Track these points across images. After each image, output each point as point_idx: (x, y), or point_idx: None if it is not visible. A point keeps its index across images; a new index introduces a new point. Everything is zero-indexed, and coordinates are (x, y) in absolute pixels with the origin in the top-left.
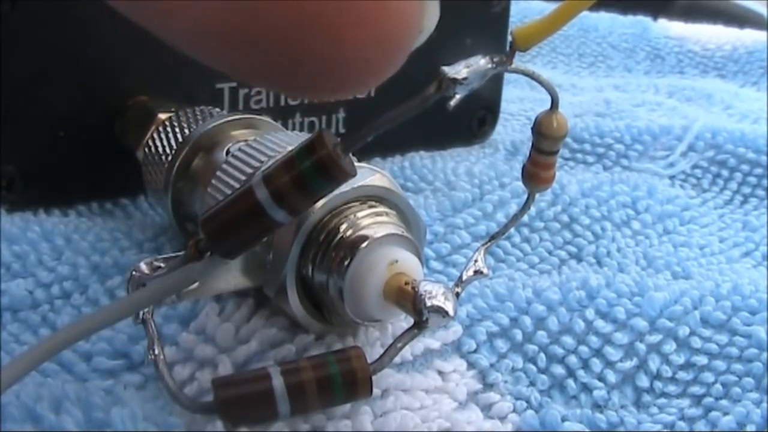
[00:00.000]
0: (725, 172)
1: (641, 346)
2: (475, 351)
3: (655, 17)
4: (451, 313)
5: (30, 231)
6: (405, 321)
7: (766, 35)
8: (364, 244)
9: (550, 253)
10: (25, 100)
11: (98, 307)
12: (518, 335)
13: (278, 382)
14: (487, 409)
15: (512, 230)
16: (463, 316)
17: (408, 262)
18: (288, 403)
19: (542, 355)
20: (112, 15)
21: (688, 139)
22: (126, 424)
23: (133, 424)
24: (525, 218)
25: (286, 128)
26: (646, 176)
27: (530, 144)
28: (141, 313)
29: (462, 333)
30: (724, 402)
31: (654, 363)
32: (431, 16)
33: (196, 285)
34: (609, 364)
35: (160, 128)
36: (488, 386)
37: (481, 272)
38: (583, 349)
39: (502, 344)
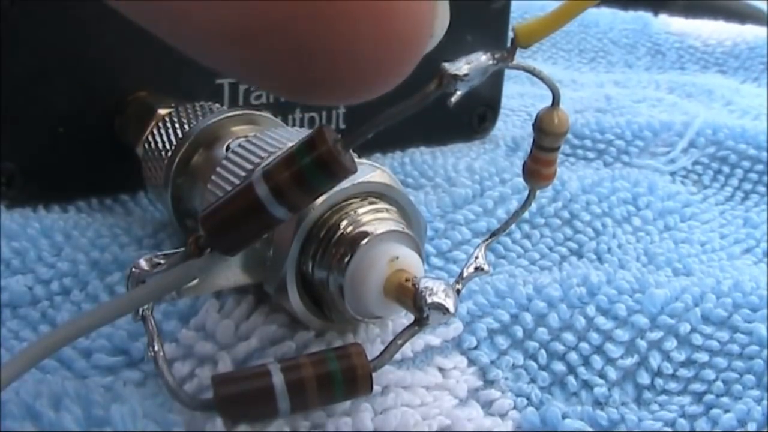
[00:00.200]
0: (726, 169)
1: (642, 343)
2: (476, 348)
3: (656, 13)
4: (451, 309)
5: (29, 227)
6: (405, 318)
7: (766, 31)
8: (364, 241)
9: (550, 249)
10: (24, 96)
11: (98, 303)
12: (519, 332)
13: (278, 379)
14: (487, 406)
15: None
16: (464, 312)
17: (408, 258)
18: (288, 400)
19: (543, 351)
20: (112, 13)
21: (689, 135)
22: (125, 422)
23: (133, 422)
24: (526, 214)
25: (286, 124)
26: (647, 172)
27: (531, 140)
28: (141, 309)
29: (462, 330)
30: (725, 399)
31: (655, 360)
32: (442, 20)
33: (195, 282)
34: (610, 361)
35: (160, 124)
36: (489, 383)
37: (482, 269)
38: (584, 346)
39: (502, 341)
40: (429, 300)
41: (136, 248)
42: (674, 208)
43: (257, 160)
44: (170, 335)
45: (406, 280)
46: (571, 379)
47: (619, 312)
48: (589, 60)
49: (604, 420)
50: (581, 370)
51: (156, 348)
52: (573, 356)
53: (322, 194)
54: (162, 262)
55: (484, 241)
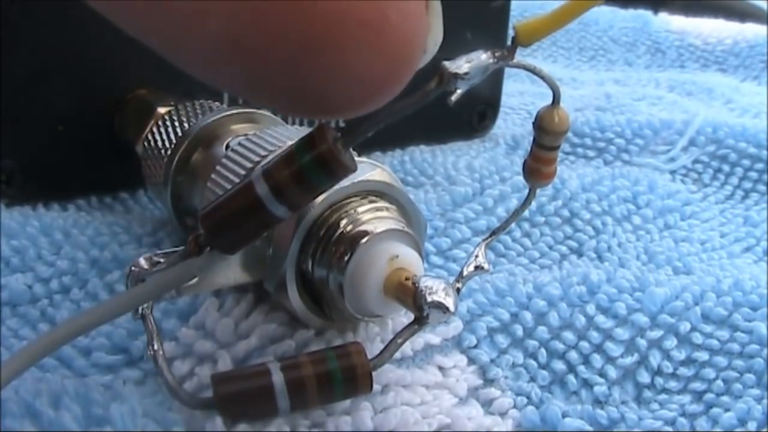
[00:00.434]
0: (726, 167)
1: (642, 342)
2: (476, 346)
3: (656, 11)
4: (451, 308)
5: (29, 225)
6: (405, 316)
7: (766, 29)
8: (364, 240)
9: (550, 248)
10: (24, 95)
11: (97, 302)
12: (519, 331)
13: (278, 377)
14: (487, 404)
15: (513, 225)
16: (464, 311)
17: (408, 257)
18: (288, 399)
19: (543, 350)
20: None
21: (689, 134)
22: (125, 420)
23: (132, 420)
24: (526, 213)
25: (286, 122)
26: (647, 171)
27: (531, 139)
28: (140, 308)
29: (462, 328)
30: (725, 398)
31: (655, 359)
32: (435, 36)
33: (195, 280)
34: (610, 359)
35: (160, 122)
36: (489, 382)
37: (482, 267)
38: (584, 344)
39: (502, 340)
40: (429, 299)
41: (136, 246)
42: (674, 206)
43: (257, 159)
44: (170, 334)
45: (406, 278)
46: (571, 377)
47: (619, 311)
48: (589, 58)
49: (604, 419)
50: (581, 368)
51: (155, 346)
52: (573, 355)
53: (322, 193)
54: (161, 260)
55: (484, 240)
